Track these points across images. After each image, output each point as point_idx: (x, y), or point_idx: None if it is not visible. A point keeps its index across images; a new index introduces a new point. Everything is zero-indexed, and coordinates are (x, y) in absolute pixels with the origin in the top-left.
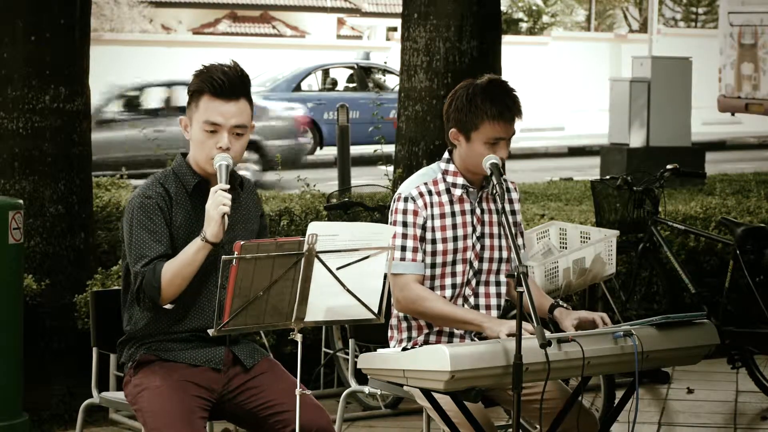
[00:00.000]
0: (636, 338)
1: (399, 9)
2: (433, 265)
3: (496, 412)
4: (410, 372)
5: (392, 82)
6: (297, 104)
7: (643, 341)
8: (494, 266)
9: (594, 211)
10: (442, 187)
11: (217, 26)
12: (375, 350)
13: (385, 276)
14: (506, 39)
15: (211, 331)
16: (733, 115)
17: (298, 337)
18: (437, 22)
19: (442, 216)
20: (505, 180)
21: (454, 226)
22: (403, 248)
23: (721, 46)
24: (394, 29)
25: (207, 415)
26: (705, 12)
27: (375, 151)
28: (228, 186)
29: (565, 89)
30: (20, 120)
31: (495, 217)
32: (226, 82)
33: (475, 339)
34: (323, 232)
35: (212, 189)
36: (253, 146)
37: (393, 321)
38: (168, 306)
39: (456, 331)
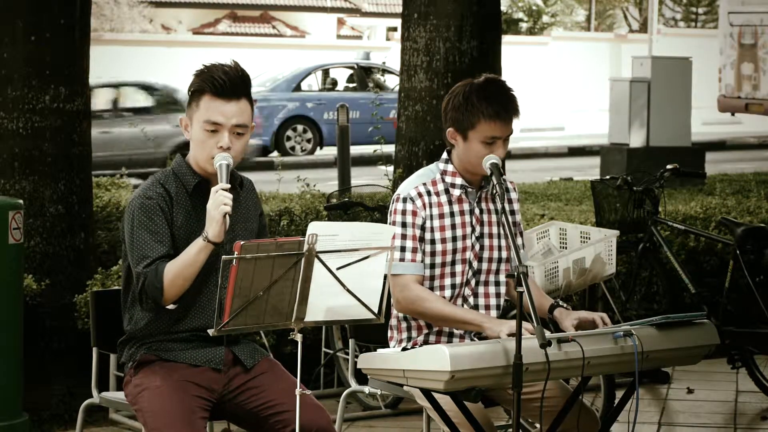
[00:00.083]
0: (636, 338)
1: (399, 9)
2: (433, 266)
3: (496, 412)
4: (410, 372)
5: (392, 82)
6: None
7: (643, 341)
8: (493, 266)
9: (594, 211)
10: (440, 187)
11: (217, 26)
12: (375, 350)
13: (385, 276)
14: (506, 39)
15: (211, 331)
16: (733, 115)
17: (298, 337)
18: (437, 22)
19: (441, 216)
20: (504, 180)
21: (453, 227)
22: (403, 249)
23: (721, 46)
24: (394, 29)
25: (207, 415)
26: (705, 12)
27: (375, 151)
28: (229, 186)
29: (565, 89)
30: (20, 120)
31: (494, 217)
32: (227, 82)
33: (475, 339)
34: (323, 232)
35: (213, 189)
36: None
37: (393, 321)
38: (170, 306)
39: (456, 331)
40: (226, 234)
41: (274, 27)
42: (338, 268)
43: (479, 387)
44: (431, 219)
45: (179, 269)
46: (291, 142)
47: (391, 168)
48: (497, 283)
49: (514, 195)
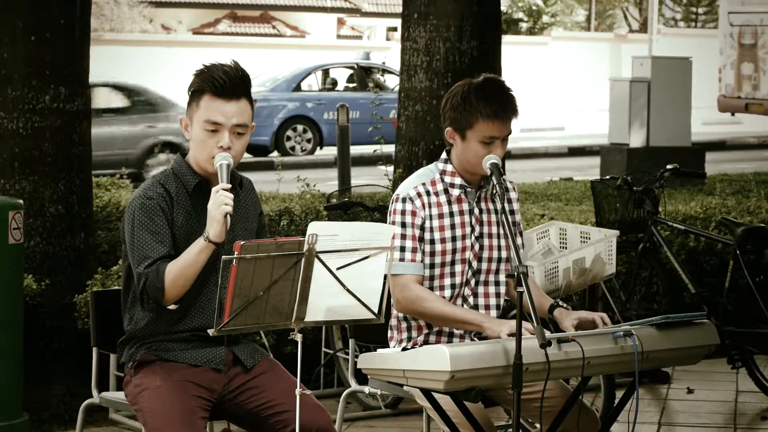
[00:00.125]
0: (636, 338)
1: (399, 9)
2: (432, 266)
3: (496, 412)
4: (410, 372)
5: (392, 82)
6: None
7: (643, 341)
8: (493, 266)
9: (594, 211)
10: (440, 187)
11: (217, 26)
12: (375, 350)
13: (385, 276)
14: (506, 39)
15: (211, 331)
16: (733, 115)
17: (298, 337)
18: (437, 22)
19: (441, 216)
20: (504, 180)
21: (453, 227)
22: (402, 249)
23: (721, 46)
24: (394, 29)
25: (207, 415)
26: (705, 12)
27: (375, 151)
28: (229, 185)
29: (565, 89)
30: (20, 120)
31: (493, 217)
32: (227, 82)
33: (475, 339)
34: (323, 232)
35: (214, 189)
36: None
37: (393, 321)
38: (172, 306)
39: (456, 331)
40: (226, 234)
41: (274, 27)
42: (338, 268)
43: (479, 387)
44: (431, 219)
45: (180, 269)
46: (291, 142)
47: (391, 168)
48: (497, 283)
49: (513, 195)
